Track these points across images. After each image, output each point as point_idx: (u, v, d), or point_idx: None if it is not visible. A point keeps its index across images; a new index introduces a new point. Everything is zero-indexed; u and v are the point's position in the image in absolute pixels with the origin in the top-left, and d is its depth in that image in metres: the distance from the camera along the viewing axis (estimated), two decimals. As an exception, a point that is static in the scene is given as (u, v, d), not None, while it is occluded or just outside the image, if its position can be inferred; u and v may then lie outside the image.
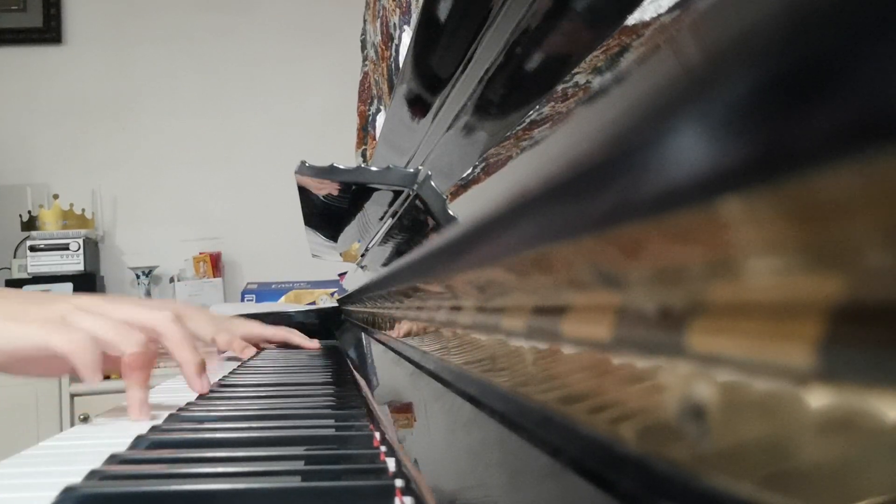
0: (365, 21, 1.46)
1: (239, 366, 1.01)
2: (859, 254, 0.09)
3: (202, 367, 0.71)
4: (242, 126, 2.55)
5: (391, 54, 1.11)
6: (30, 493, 0.39)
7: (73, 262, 2.26)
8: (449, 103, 0.47)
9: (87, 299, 0.66)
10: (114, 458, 0.44)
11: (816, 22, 0.08)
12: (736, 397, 0.12)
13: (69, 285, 2.23)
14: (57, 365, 0.62)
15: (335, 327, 1.52)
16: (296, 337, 1.21)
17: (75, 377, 0.63)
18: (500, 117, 0.37)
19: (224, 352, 1.12)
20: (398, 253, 0.53)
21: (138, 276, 2.40)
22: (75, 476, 0.39)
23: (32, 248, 2.25)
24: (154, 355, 0.66)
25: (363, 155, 1.49)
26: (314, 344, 1.22)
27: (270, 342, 1.24)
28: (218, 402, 0.68)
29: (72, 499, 0.36)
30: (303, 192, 0.60)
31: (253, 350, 1.10)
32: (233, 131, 2.55)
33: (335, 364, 1.01)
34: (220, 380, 0.83)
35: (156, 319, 0.68)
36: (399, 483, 0.37)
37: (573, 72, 0.23)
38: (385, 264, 0.61)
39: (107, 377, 0.66)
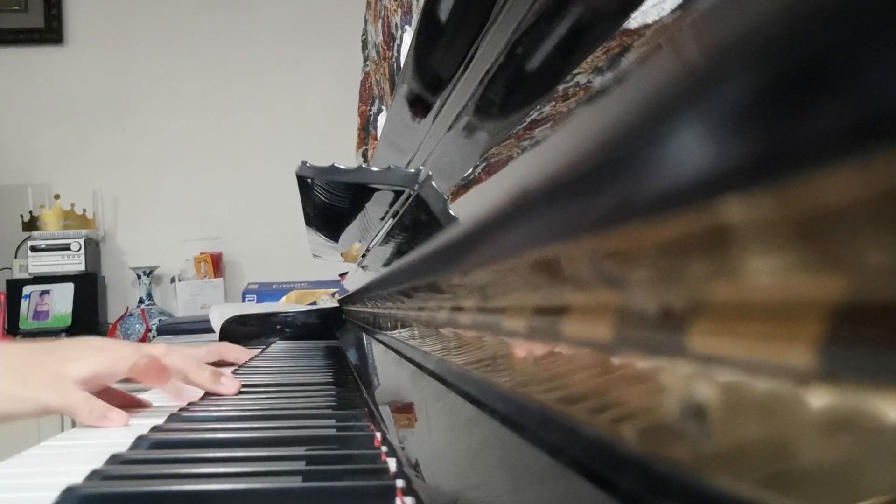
0: (366, 21, 1.46)
1: (238, 366, 1.01)
2: (859, 254, 0.09)
3: (216, 374, 0.75)
4: (243, 126, 2.55)
5: (393, 54, 1.10)
6: (31, 493, 0.39)
7: (75, 263, 2.26)
8: (450, 103, 0.47)
9: (78, 347, 0.69)
10: (115, 459, 0.44)
11: (812, 22, 0.08)
12: (737, 397, 0.12)
13: (70, 285, 2.23)
14: None
15: (336, 327, 1.52)
16: (230, 354, 1.07)
17: None
18: (500, 117, 0.37)
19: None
20: (399, 253, 0.53)
21: (139, 277, 2.40)
22: (76, 476, 0.39)
23: (33, 249, 2.25)
24: (160, 362, 0.69)
25: (364, 155, 1.49)
26: (248, 357, 1.11)
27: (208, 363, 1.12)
28: (219, 402, 0.68)
29: (73, 499, 0.36)
30: (303, 191, 0.60)
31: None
32: (233, 131, 2.55)
33: (336, 364, 1.01)
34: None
35: (149, 355, 0.70)
36: (400, 483, 0.37)
37: (574, 72, 0.23)
38: (386, 264, 0.61)
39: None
